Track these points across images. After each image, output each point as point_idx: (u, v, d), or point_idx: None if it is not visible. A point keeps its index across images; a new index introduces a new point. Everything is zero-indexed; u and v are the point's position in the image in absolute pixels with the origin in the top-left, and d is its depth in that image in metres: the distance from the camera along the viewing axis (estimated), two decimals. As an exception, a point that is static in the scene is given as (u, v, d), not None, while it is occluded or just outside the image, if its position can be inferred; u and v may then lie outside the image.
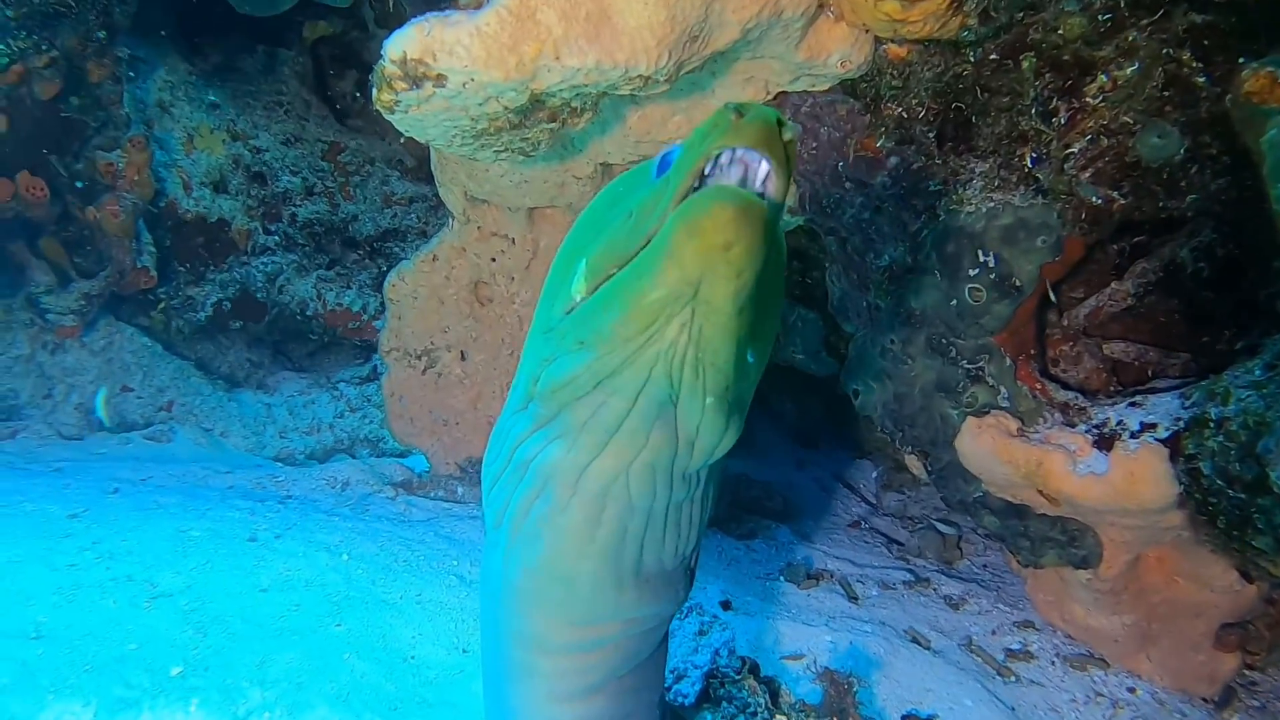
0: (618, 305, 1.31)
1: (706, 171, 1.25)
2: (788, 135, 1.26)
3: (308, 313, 5.23)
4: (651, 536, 1.54)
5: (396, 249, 5.36)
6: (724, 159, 1.24)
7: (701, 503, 1.60)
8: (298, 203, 5.22)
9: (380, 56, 2.27)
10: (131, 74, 4.70)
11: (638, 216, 1.37)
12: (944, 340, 3.06)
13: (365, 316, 5.28)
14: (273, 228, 5.14)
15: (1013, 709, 3.19)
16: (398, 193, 5.47)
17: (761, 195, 1.23)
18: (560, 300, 1.46)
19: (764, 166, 1.24)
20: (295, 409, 5.04)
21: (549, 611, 1.62)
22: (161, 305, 4.78)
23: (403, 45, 2.23)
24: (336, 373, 5.39)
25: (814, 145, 3.17)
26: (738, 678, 2.70)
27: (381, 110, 2.45)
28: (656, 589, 1.62)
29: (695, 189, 1.25)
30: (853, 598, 3.80)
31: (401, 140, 5.52)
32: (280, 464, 4.45)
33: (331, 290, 5.25)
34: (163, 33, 4.83)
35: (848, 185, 3.15)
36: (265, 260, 5.11)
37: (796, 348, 4.04)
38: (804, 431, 5.47)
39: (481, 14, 2.19)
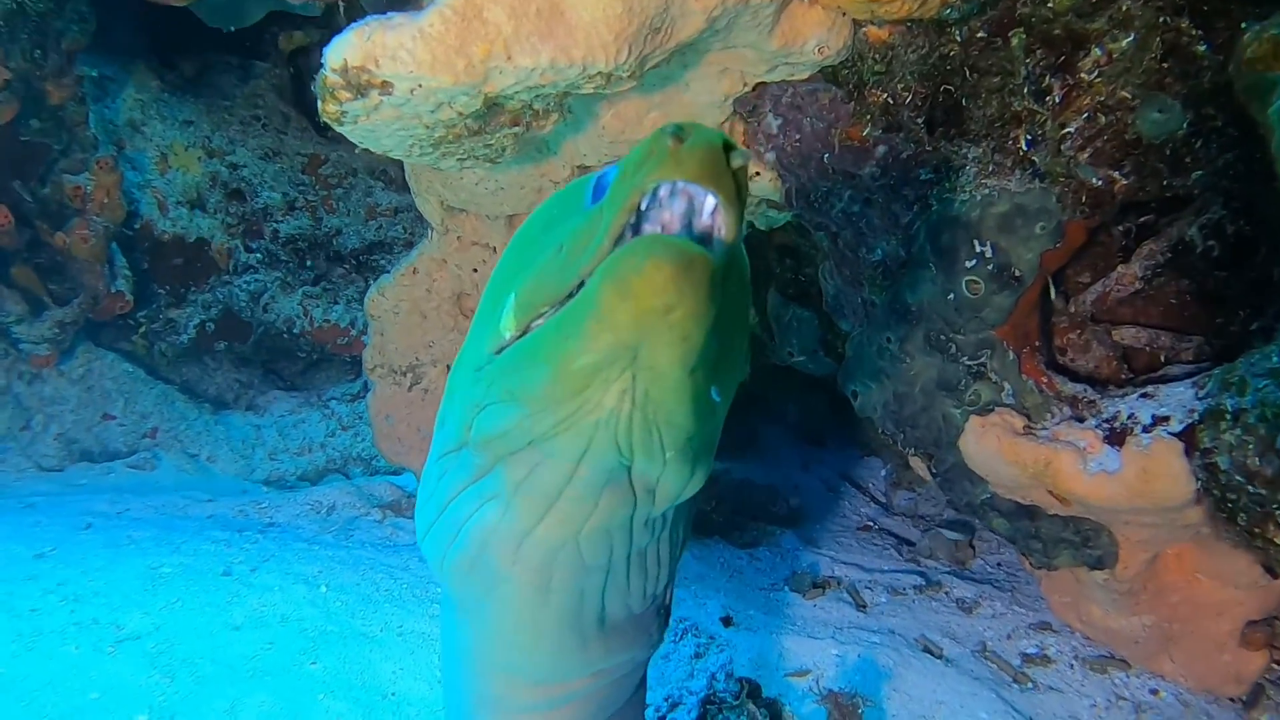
0: (545, 364, 1.15)
1: (644, 206, 1.10)
2: (737, 162, 1.10)
3: (295, 330, 5.11)
4: (614, 587, 1.39)
5: (383, 261, 5.23)
6: (663, 191, 1.09)
7: (671, 539, 1.45)
8: (279, 218, 5.10)
9: (321, 65, 2.13)
10: (99, 93, 4.58)
11: (569, 250, 1.21)
12: (943, 336, 2.91)
13: (354, 332, 5.15)
14: (254, 245, 5.02)
15: (1030, 718, 3.04)
16: (382, 204, 5.34)
17: (706, 239, 1.09)
18: (489, 335, 1.30)
19: (710, 200, 1.09)
20: (285, 429, 4.91)
21: (508, 673, 1.48)
22: (142, 329, 4.66)
23: (343, 52, 2.09)
24: (327, 390, 5.27)
25: (797, 138, 3.02)
26: (736, 703, 2.56)
27: (330, 122, 2.31)
28: (626, 637, 1.48)
29: (632, 226, 1.10)
30: (861, 606, 3.65)
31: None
32: (268, 488, 4.33)
33: (318, 306, 5.13)
34: (131, 54, 4.72)
35: (835, 177, 3.00)
36: (248, 279, 4.99)
37: (793, 348, 3.89)
38: (809, 430, 5.32)
39: (424, 15, 2.04)
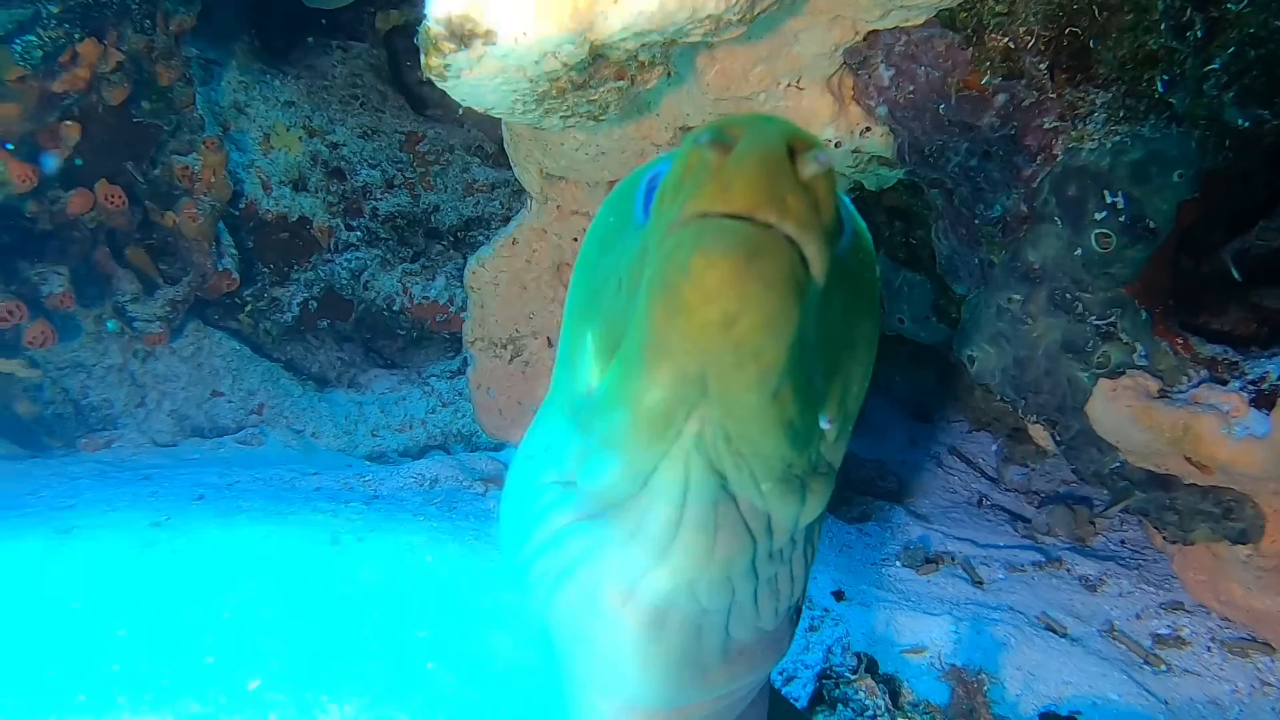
0: (621, 408, 1.02)
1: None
2: (810, 170, 0.89)
3: (395, 308, 5.14)
4: (739, 619, 1.25)
5: (480, 237, 5.22)
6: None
7: (804, 556, 1.31)
8: (378, 196, 5.13)
9: (424, 17, 2.08)
10: (204, 75, 4.66)
11: (625, 282, 1.08)
12: (1068, 295, 2.74)
13: (453, 308, 5.15)
14: (354, 223, 5.06)
15: (1165, 703, 2.87)
16: (479, 179, 5.33)
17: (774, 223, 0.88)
18: (580, 376, 1.19)
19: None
20: (387, 406, 4.95)
21: (616, 698, 1.35)
22: (248, 308, 4.74)
23: (446, 3, 2.04)
24: (427, 367, 5.28)
25: (911, 89, 2.88)
26: (853, 677, 2.46)
27: (434, 78, 2.27)
28: (754, 658, 1.33)
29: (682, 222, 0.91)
30: (977, 582, 3.50)
31: (480, 127, 5.39)
32: (371, 463, 4.36)
33: (417, 283, 5.15)
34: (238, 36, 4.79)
35: (951, 129, 2.85)
36: (349, 256, 5.03)
37: (903, 314, 3.74)
38: (916, 404, 5.14)
39: (529, -42, 1.98)
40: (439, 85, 2.31)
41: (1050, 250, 2.73)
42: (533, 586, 1.30)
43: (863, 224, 1.22)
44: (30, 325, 3.81)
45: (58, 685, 2.31)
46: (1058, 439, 3.02)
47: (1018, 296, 2.88)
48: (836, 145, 3.06)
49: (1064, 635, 3.13)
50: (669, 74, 2.62)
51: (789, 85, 2.93)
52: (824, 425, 1.08)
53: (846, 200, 1.09)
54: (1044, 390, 2.92)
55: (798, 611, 1.44)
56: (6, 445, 4.12)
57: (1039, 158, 2.73)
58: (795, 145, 0.90)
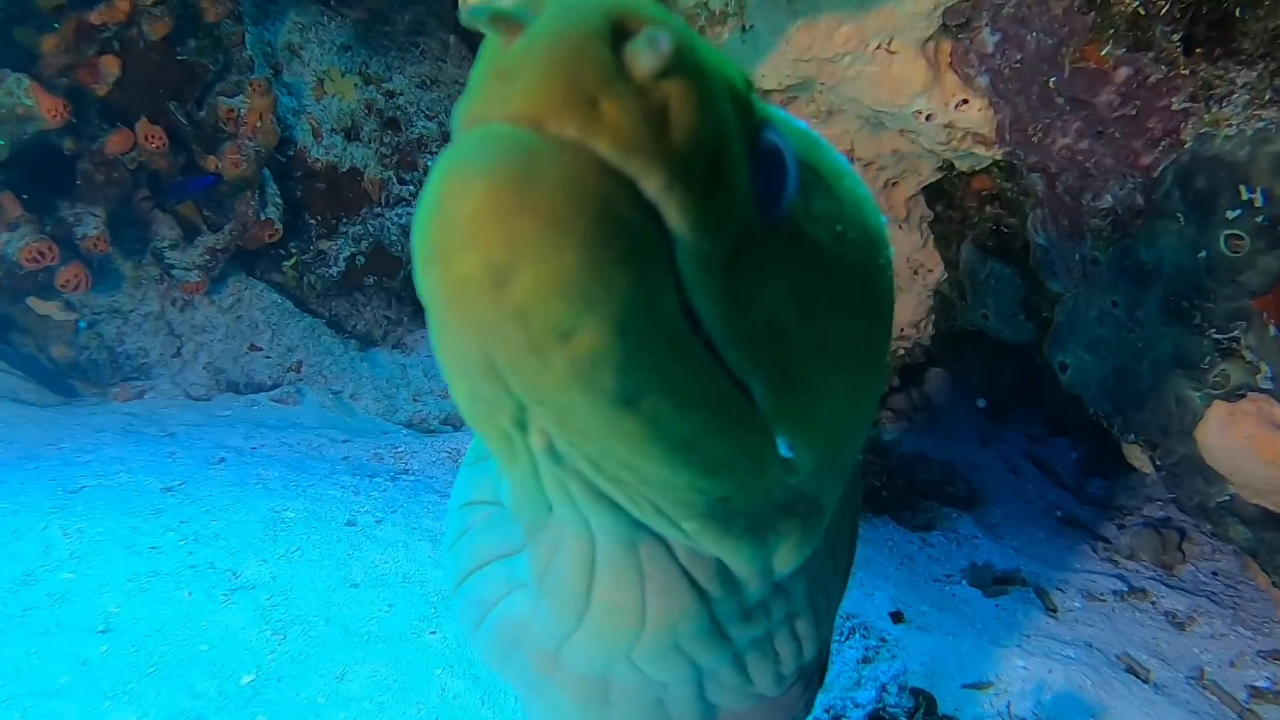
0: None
1: None
2: (645, 64, 0.59)
3: (446, 268, 4.90)
4: (720, 687, 0.97)
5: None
6: None
7: (812, 609, 1.00)
8: (434, 150, 4.88)
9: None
10: (259, 15, 4.44)
11: None
12: (1186, 303, 2.39)
13: (505, 272, 4.90)
14: (407, 177, 4.82)
15: (1262, 768, 2.54)
16: (540, 137, 5.05)
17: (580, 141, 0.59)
18: None
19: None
20: (431, 370, 4.73)
21: None
22: (293, 260, 4.54)
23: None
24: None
25: (1018, 58, 2.53)
26: (908, 722, 2.18)
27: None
28: None
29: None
30: (1051, 609, 3.18)
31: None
32: (408, 430, 4.15)
33: (470, 244, 4.90)
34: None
35: (1062, 106, 2.50)
36: (400, 211, 4.80)
37: (988, 309, 3.40)
38: (991, 403, 4.79)
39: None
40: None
41: (1168, 250, 2.38)
42: (463, 626, 1.07)
43: (849, 183, 0.89)
44: (63, 268, 3.65)
45: (38, 664, 2.14)
46: (1158, 463, 2.68)
47: (1125, 300, 2.54)
48: (927, 118, 2.73)
49: (1147, 681, 2.80)
50: (743, 28, 2.31)
51: (878, 47, 2.60)
52: (784, 452, 0.77)
53: (785, 137, 0.75)
54: (1146, 408, 2.59)
55: (821, 668, 1.15)
56: (40, 390, 3.99)
57: (1163, 143, 2.38)
58: (627, 23, 0.61)
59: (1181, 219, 2.33)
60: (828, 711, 2.24)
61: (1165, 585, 3.42)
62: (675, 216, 0.61)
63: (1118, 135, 2.44)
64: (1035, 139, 2.59)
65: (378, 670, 2.24)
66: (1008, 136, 2.67)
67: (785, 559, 0.86)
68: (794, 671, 1.02)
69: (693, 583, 0.84)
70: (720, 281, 0.66)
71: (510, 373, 0.61)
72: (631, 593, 0.83)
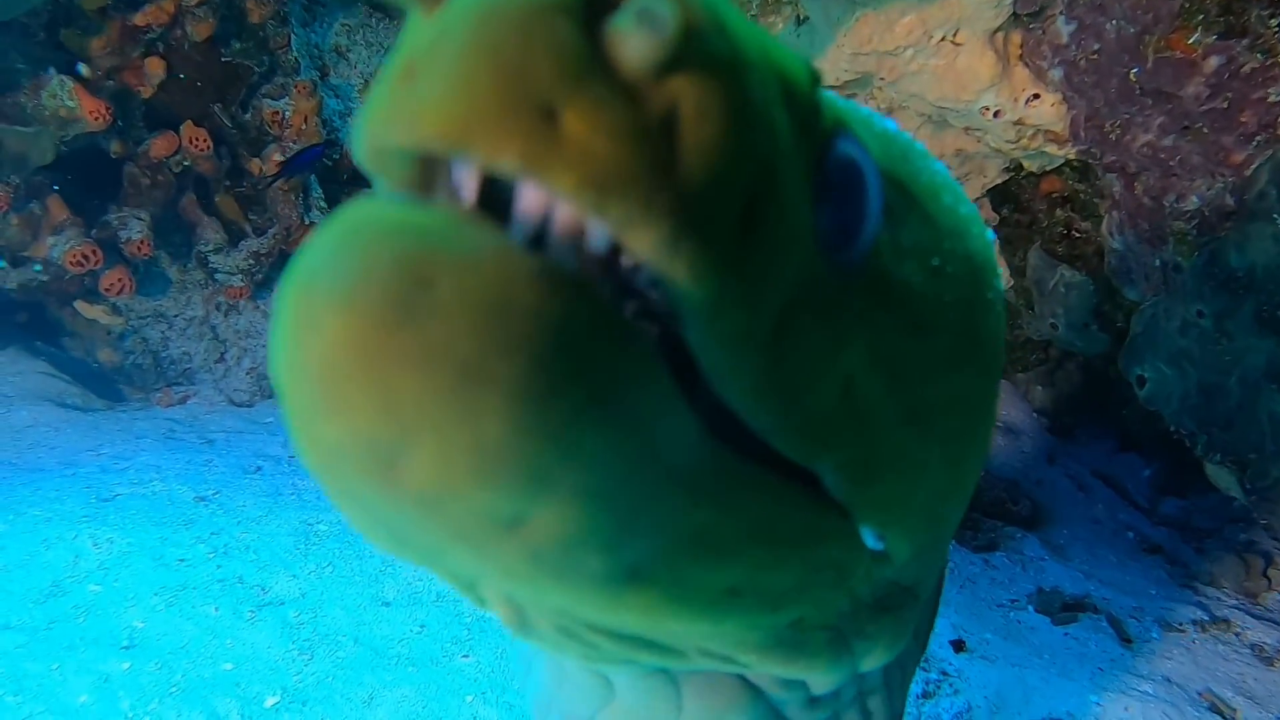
0: None
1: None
2: (640, 54, 0.39)
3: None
4: None
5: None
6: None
7: (884, 684, 0.87)
8: (481, 154, 4.79)
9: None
10: (307, 17, 4.39)
11: None
12: (1281, 313, 2.20)
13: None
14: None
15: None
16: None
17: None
18: None
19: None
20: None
21: None
22: (338, 266, 4.47)
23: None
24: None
25: (1095, 48, 2.36)
26: (973, 765, 2.01)
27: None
28: None
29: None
30: (1125, 640, 2.97)
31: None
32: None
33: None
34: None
35: (1143, 100, 2.33)
36: (447, 216, 4.73)
37: (1057, 319, 3.21)
38: (1058, 417, 4.57)
39: None
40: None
41: (1263, 256, 2.20)
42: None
43: (948, 200, 0.69)
44: (107, 272, 3.62)
45: (59, 680, 2.06)
46: (1247, 486, 2.49)
47: (1212, 310, 2.35)
48: (995, 115, 2.56)
49: None
50: (799, 18, 2.17)
51: (943, 39, 2.44)
52: (872, 545, 0.60)
53: (865, 151, 0.55)
54: (1237, 426, 2.39)
55: None
56: (86, 394, 3.97)
57: (1257, 139, 2.19)
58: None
59: (1278, 220, 2.14)
60: (885, 751, 2.08)
61: (1250, 615, 3.20)
62: (688, 286, 0.41)
63: (1206, 130, 2.25)
64: (1113, 136, 2.42)
65: (407, 695, 2.13)
66: (1082, 134, 2.49)
67: (874, 661, 0.71)
68: None
69: (745, 681, 0.71)
70: (765, 364, 0.47)
71: (430, 556, 0.45)
72: (663, 701, 0.71)
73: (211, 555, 2.51)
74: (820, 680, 0.70)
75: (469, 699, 2.13)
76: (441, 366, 0.36)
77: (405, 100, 0.40)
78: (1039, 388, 4.37)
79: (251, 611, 2.33)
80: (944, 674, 2.32)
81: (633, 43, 0.39)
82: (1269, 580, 3.44)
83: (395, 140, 0.41)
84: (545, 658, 0.82)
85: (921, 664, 2.33)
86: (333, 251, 0.38)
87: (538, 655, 0.87)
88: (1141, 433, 4.42)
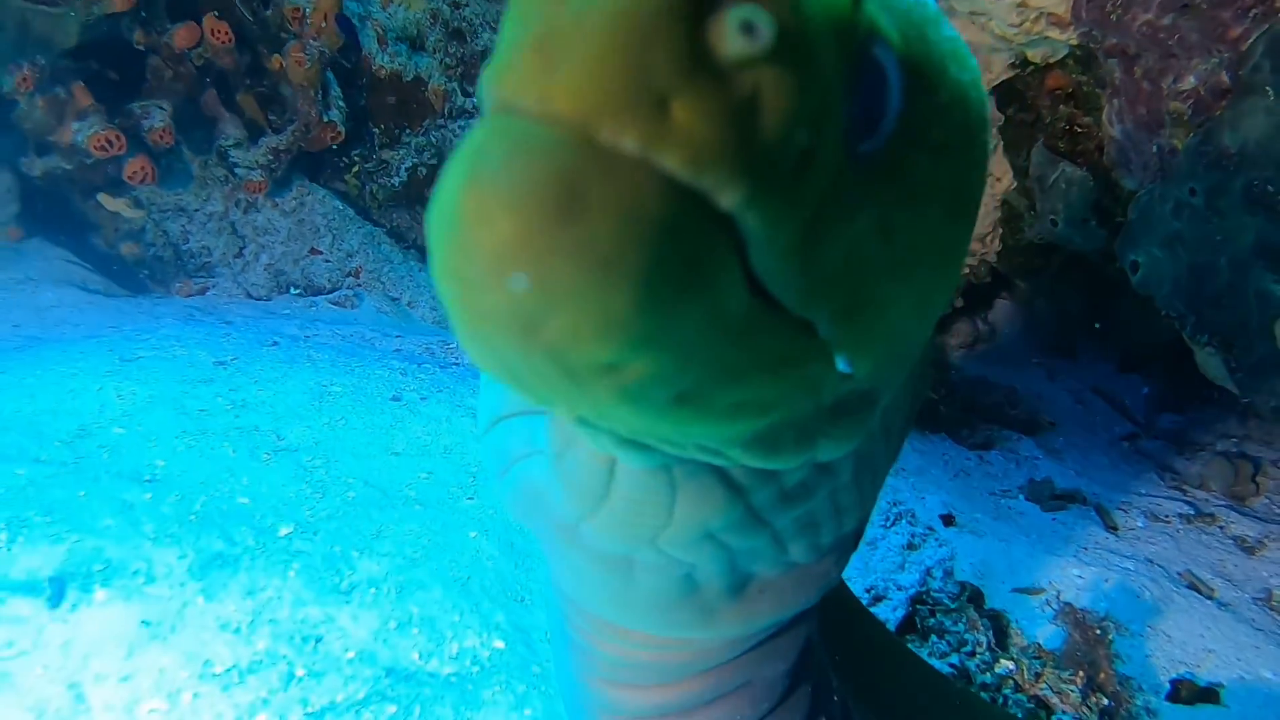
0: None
1: None
2: (736, 46, 0.48)
3: (508, 184, 4.87)
4: (754, 559, 0.92)
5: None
6: None
7: (856, 484, 0.93)
8: (498, 63, 4.83)
9: None
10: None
11: None
12: (1271, 188, 2.26)
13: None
14: (471, 89, 4.80)
15: (1330, 686, 2.42)
16: (605, 55, 4.97)
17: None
18: None
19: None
20: (489, 285, 4.72)
21: (608, 639, 1.06)
22: (355, 169, 4.55)
23: None
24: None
25: (1100, -74, 2.40)
26: (953, 606, 2.11)
27: None
28: (783, 594, 1.00)
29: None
30: (1111, 527, 3.07)
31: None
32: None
33: (533, 160, 4.86)
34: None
35: (1145, -23, 2.37)
36: (463, 124, 4.78)
37: (1056, 214, 3.25)
38: (1059, 335, 4.63)
39: None
40: None
41: (1255, 130, 2.25)
42: (490, 471, 1.04)
43: (955, 71, 0.73)
44: (130, 160, 3.70)
45: (85, 506, 2.17)
46: (1232, 365, 2.55)
47: (1203, 188, 2.41)
48: (1001, -2, 2.60)
49: (1210, 598, 2.69)
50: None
51: (951, -83, 2.48)
52: (843, 368, 0.68)
53: (890, 50, 0.62)
54: (1224, 305, 2.46)
55: (857, 535, 1.08)
56: (107, 283, 4.07)
57: (1254, 12, 2.23)
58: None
59: (1271, 93, 2.19)
60: (868, 591, 2.18)
61: (1236, 513, 3.28)
62: (756, 223, 0.52)
63: (1204, 6, 2.29)
64: (1114, 16, 2.46)
65: (413, 529, 2.23)
66: (1084, 15, 2.53)
67: (833, 450, 0.79)
68: (832, 542, 0.97)
69: (729, 483, 0.80)
70: (798, 255, 0.57)
71: (539, 388, 0.56)
72: (657, 496, 0.79)
73: (230, 408, 2.61)
74: (788, 468, 0.80)
75: (472, 535, 2.24)
76: (588, 257, 0.46)
77: (540, 75, 0.49)
78: (1040, 302, 4.43)
79: (267, 455, 2.43)
80: (930, 529, 2.42)
81: (735, 46, 0.48)
82: (1257, 485, 3.52)
83: (529, 107, 0.49)
84: (545, 460, 0.89)
85: (909, 519, 2.44)
86: (506, 156, 0.48)
87: (530, 459, 0.94)
88: (1142, 352, 4.50)
